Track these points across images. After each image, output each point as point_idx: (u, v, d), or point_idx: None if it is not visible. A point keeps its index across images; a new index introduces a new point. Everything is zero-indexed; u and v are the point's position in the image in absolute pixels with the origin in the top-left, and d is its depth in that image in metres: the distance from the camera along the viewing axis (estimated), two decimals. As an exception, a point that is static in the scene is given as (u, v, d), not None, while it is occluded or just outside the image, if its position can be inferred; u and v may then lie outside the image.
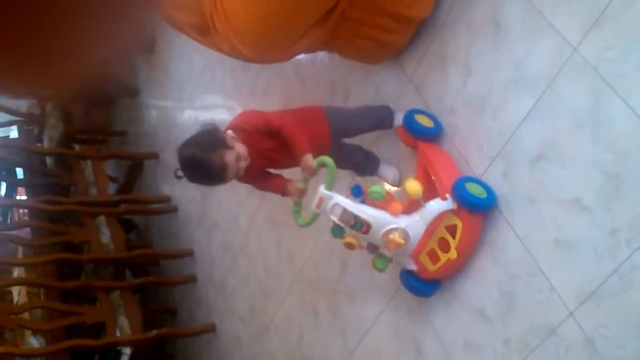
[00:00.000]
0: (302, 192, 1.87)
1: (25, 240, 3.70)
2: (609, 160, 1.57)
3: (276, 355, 3.04)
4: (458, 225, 1.84)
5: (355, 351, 2.47)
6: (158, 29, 4.20)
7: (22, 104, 4.93)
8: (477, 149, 1.93)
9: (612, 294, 1.56)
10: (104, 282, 3.53)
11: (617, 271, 1.54)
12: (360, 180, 2.30)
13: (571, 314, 1.65)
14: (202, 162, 1.78)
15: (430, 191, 1.88)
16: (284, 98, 2.94)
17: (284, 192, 1.93)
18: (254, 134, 1.87)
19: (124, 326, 3.30)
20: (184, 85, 3.92)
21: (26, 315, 3.55)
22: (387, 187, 2.21)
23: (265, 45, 2.02)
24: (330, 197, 1.80)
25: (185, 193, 3.91)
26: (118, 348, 3.69)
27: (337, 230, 1.87)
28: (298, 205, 1.89)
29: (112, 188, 4.46)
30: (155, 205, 4.10)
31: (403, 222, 1.83)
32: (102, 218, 3.75)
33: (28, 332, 3.82)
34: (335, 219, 1.82)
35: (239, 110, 3.30)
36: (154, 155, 4.28)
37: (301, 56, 2.40)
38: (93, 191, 4.02)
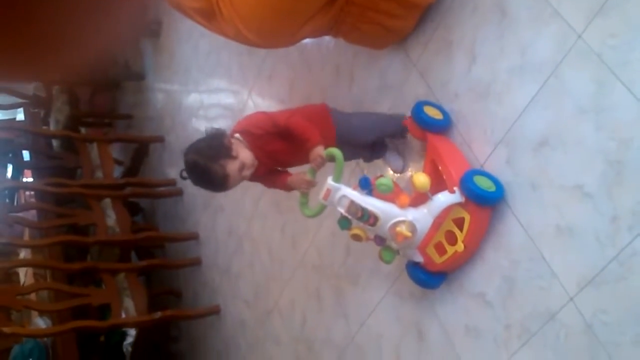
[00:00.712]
0: (310, 184, 1.86)
1: (31, 222, 3.73)
2: (612, 147, 1.57)
3: (280, 338, 3.06)
4: (466, 218, 1.83)
5: (358, 335, 2.50)
6: (164, 13, 4.21)
7: (28, 87, 4.94)
8: (481, 134, 1.94)
9: (613, 280, 1.57)
10: (110, 264, 3.56)
11: (618, 257, 1.55)
12: (367, 170, 2.31)
13: (571, 299, 1.66)
14: (204, 170, 1.77)
15: (438, 184, 1.87)
16: (290, 82, 2.95)
17: (290, 185, 1.91)
18: (263, 136, 1.85)
19: (129, 308, 3.33)
20: (190, 69, 3.92)
21: (33, 296, 3.58)
22: (394, 176, 2.21)
23: (271, 30, 2.02)
24: (338, 189, 1.80)
25: (190, 177, 3.92)
26: (123, 329, 3.73)
27: (344, 222, 1.87)
28: (305, 196, 1.88)
29: (117, 171, 4.48)
30: (160, 189, 4.13)
31: (410, 214, 1.82)
32: (108, 201, 3.77)
33: (34, 313, 3.86)
34: (342, 210, 1.82)
35: (244, 94, 3.31)
36: (160, 139, 4.29)
37: (307, 41, 2.40)
38: (99, 174, 4.04)
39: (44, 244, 3.56)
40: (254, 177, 1.89)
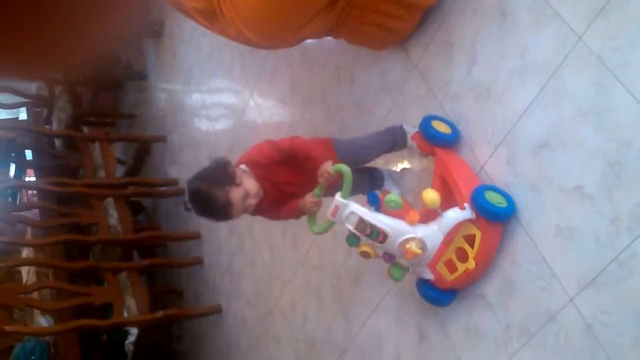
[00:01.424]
0: (318, 205, 1.82)
1: (34, 221, 3.74)
2: (612, 149, 1.58)
3: (281, 337, 3.07)
4: (477, 234, 1.80)
5: (358, 334, 2.50)
6: (166, 13, 4.22)
7: (31, 86, 4.95)
8: (482, 136, 1.94)
9: (612, 281, 1.57)
10: (112, 263, 3.57)
11: (617, 259, 1.56)
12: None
13: (571, 300, 1.67)
14: (207, 197, 1.74)
15: (448, 199, 1.84)
16: (291, 83, 2.96)
17: (299, 211, 1.86)
18: (270, 166, 1.83)
19: (131, 307, 3.34)
20: (192, 69, 3.93)
21: (35, 295, 3.59)
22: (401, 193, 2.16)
23: (272, 31, 2.03)
24: (346, 206, 1.77)
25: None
26: (125, 328, 3.74)
27: (352, 239, 1.84)
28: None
29: (120, 170, 4.49)
30: (162, 188, 4.13)
31: (420, 231, 1.79)
32: (110, 200, 3.79)
33: (37, 312, 3.88)
34: (351, 227, 1.79)
35: (246, 94, 3.32)
36: (162, 139, 4.30)
37: (308, 41, 2.41)
38: (101, 173, 4.05)
39: (47, 242, 3.57)
40: (258, 210, 1.85)
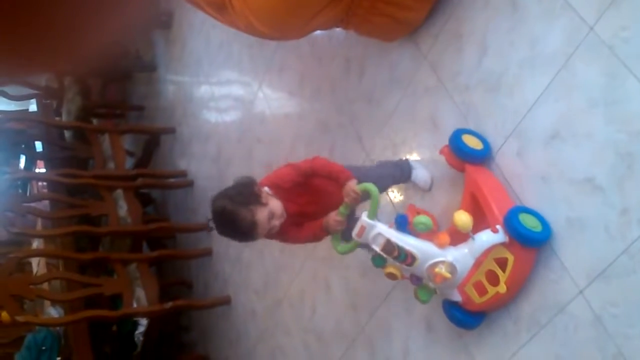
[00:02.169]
0: (343, 224, 1.77)
1: (44, 212, 3.76)
2: (623, 140, 1.57)
3: (289, 328, 3.08)
4: (509, 259, 1.72)
5: (367, 325, 2.51)
6: (175, 4, 4.22)
7: (40, 78, 4.97)
8: (492, 127, 1.94)
9: (622, 273, 1.57)
10: (122, 255, 3.59)
11: (627, 250, 1.55)
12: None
13: (581, 292, 1.67)
14: (232, 216, 1.70)
15: (478, 217, 1.77)
16: (300, 75, 2.95)
17: (322, 231, 1.81)
18: (291, 190, 1.80)
19: (140, 298, 3.36)
20: (201, 61, 3.93)
21: (45, 286, 3.62)
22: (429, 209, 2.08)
23: (282, 22, 2.03)
24: (373, 227, 1.71)
25: (201, 168, 3.95)
26: (135, 319, 3.76)
27: (378, 260, 1.78)
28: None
29: (129, 162, 4.50)
30: (171, 180, 4.15)
31: (450, 254, 1.72)
32: (120, 192, 3.80)
33: (47, 303, 3.90)
34: (377, 249, 1.73)
35: (255, 86, 3.32)
36: (171, 130, 4.31)
37: (317, 33, 2.41)
38: (111, 165, 4.06)
39: (57, 234, 3.59)
40: (280, 233, 1.81)
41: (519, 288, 1.78)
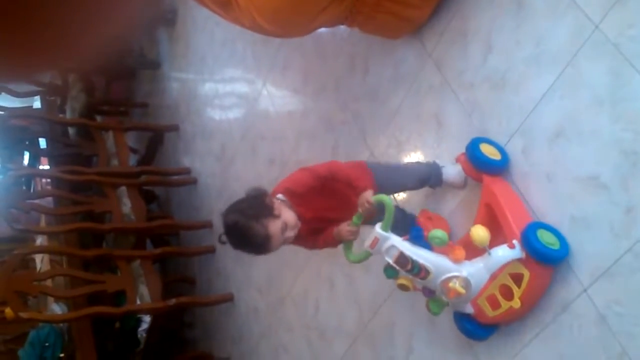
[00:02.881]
0: (355, 233, 1.74)
1: (48, 209, 3.76)
2: (628, 138, 1.57)
3: (292, 325, 3.08)
4: (525, 275, 1.69)
5: (370, 323, 2.51)
6: (180, 1, 4.22)
7: (44, 76, 4.97)
8: (496, 125, 1.93)
9: (627, 272, 1.57)
10: (125, 252, 3.59)
11: (632, 249, 1.55)
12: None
13: (585, 290, 1.66)
14: (245, 230, 1.67)
15: (493, 229, 1.73)
16: (304, 72, 2.95)
17: (335, 239, 1.79)
18: (306, 194, 1.75)
19: (144, 294, 3.36)
20: (205, 58, 3.93)
21: (49, 282, 3.63)
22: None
23: (286, 19, 2.03)
24: (387, 238, 1.68)
25: (205, 166, 3.95)
26: (138, 316, 3.77)
27: (390, 271, 1.76)
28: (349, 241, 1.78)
29: (133, 159, 4.51)
30: (175, 177, 4.15)
31: (465, 270, 1.70)
32: (124, 189, 3.80)
33: (51, 299, 3.91)
34: (390, 261, 1.70)
35: (259, 83, 3.31)
36: (175, 128, 4.31)
37: (321, 30, 2.40)
38: (114, 162, 4.07)
39: (60, 230, 3.60)
40: (296, 240, 1.78)
41: (534, 304, 1.75)
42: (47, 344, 3.69)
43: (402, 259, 1.69)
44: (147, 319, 3.82)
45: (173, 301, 3.36)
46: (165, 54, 4.62)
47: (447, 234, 1.71)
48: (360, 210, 1.71)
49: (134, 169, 4.07)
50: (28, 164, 4.95)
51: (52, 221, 3.88)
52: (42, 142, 4.62)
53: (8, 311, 3.44)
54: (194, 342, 4.13)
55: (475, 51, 2.01)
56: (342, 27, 2.32)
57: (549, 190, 1.76)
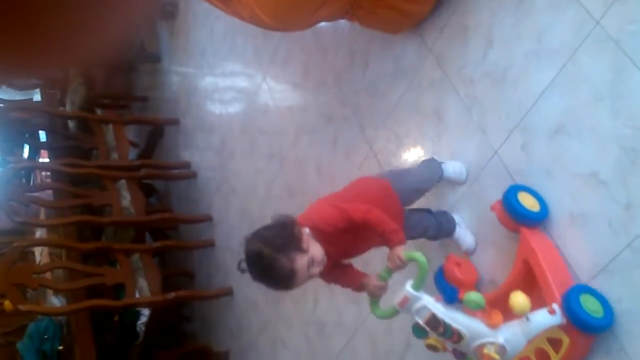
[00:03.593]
0: (383, 289, 1.66)
1: (47, 202, 3.77)
2: (628, 135, 1.57)
3: (291, 320, 3.09)
4: (564, 341, 1.58)
5: (368, 319, 2.51)
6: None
7: (46, 76, 4.95)
8: (496, 120, 1.93)
9: (625, 268, 1.56)
10: (124, 245, 3.59)
11: (631, 245, 1.55)
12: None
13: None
14: (269, 263, 1.54)
15: (529, 286, 1.65)
16: (304, 66, 2.95)
17: (360, 288, 1.71)
18: (334, 233, 1.64)
19: (143, 288, 3.36)
20: (205, 52, 3.93)
21: (48, 275, 3.63)
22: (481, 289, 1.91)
23: (286, 13, 2.02)
24: (418, 299, 1.58)
25: (204, 160, 3.95)
26: (137, 309, 3.77)
27: (419, 332, 1.64)
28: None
29: (132, 153, 4.50)
30: (175, 171, 4.15)
31: (501, 335, 1.57)
32: (123, 182, 3.80)
33: (50, 292, 3.91)
34: (421, 322, 1.59)
35: (259, 77, 3.31)
36: (175, 121, 4.31)
37: (322, 24, 2.40)
38: (114, 155, 4.07)
39: (60, 223, 3.60)
40: (320, 274, 1.66)
41: None
42: (46, 337, 3.69)
43: (434, 321, 1.58)
44: (146, 312, 3.83)
45: (172, 295, 3.36)
46: (165, 47, 4.61)
47: (482, 296, 1.59)
48: (389, 265, 1.63)
49: (133, 163, 4.07)
50: (28, 156, 4.95)
51: (52, 214, 3.88)
52: (42, 135, 4.62)
53: (7, 304, 3.43)
54: (192, 336, 4.14)
55: (476, 46, 2.01)
56: (343, 21, 2.31)
57: (547, 186, 1.75)
